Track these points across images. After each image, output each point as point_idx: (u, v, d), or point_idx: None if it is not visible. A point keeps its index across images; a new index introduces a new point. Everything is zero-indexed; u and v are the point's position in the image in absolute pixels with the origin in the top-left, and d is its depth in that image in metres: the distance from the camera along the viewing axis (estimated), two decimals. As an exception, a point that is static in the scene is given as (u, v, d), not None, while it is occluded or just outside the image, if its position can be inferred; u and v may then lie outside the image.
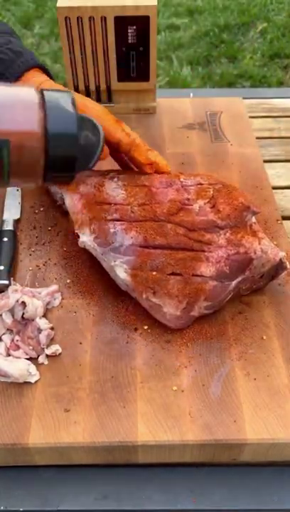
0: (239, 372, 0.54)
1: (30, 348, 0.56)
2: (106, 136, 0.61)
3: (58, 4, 0.79)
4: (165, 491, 0.51)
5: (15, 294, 0.57)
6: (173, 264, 0.56)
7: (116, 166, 0.68)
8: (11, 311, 0.57)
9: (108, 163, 0.65)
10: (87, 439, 0.49)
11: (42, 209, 0.73)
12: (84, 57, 0.83)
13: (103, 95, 0.88)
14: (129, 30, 0.80)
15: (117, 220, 0.59)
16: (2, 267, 0.62)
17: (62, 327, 0.59)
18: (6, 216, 0.71)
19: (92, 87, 0.87)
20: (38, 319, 0.57)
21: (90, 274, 0.64)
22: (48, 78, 0.64)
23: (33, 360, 0.55)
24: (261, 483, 0.51)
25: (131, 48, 0.82)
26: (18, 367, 0.53)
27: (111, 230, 0.58)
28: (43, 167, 0.41)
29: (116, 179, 0.63)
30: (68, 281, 0.64)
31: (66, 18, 0.79)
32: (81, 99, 0.61)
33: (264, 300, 0.62)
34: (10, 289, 0.58)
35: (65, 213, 0.69)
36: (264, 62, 2.31)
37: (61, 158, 0.41)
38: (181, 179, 0.62)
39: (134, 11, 0.78)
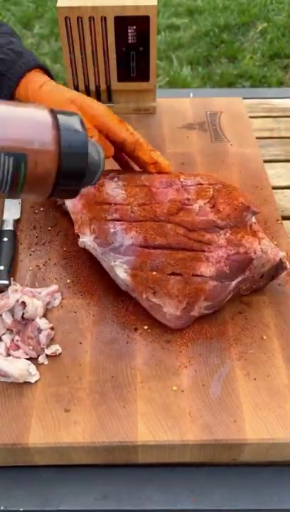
0: (239, 372, 0.54)
1: (30, 348, 0.56)
2: (111, 135, 0.62)
3: (58, 4, 0.79)
4: (165, 491, 0.51)
5: (15, 294, 0.57)
6: (173, 264, 0.56)
7: (116, 166, 0.68)
8: (11, 311, 0.57)
9: (108, 164, 0.65)
10: (87, 439, 0.49)
11: (42, 209, 0.73)
12: (84, 57, 0.83)
13: (103, 95, 0.88)
14: (129, 30, 0.80)
15: (117, 220, 0.59)
16: (2, 267, 0.62)
17: (62, 327, 0.59)
18: (6, 216, 0.71)
19: (92, 87, 0.87)
20: (38, 319, 0.57)
21: (90, 274, 0.64)
22: (49, 79, 0.64)
23: (33, 360, 0.55)
24: (261, 483, 0.51)
25: (131, 48, 0.82)
26: (18, 367, 0.53)
27: (111, 230, 0.58)
28: (53, 183, 0.44)
29: (116, 179, 0.63)
30: (68, 281, 0.64)
31: (66, 18, 0.79)
32: (87, 101, 0.62)
33: (264, 300, 0.62)
34: (10, 289, 0.58)
35: (65, 213, 0.69)
36: (264, 62, 2.31)
37: (71, 175, 0.44)
38: (181, 179, 0.62)
39: (134, 11, 0.78)
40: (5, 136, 0.40)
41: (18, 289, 0.58)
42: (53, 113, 0.44)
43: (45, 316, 0.59)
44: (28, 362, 0.54)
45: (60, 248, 0.67)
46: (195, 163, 0.80)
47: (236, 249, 0.57)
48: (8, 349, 0.56)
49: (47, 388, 0.53)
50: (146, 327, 0.59)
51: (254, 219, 0.61)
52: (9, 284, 0.60)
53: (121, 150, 0.64)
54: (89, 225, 0.61)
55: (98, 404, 0.52)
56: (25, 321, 0.57)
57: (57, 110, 0.45)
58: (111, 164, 0.67)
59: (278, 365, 0.55)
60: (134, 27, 0.80)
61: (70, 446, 0.49)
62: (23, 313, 0.57)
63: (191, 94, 0.99)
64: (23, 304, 0.57)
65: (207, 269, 0.56)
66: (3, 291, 0.59)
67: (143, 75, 0.86)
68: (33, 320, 0.57)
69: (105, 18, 0.79)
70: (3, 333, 0.57)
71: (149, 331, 0.58)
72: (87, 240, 0.60)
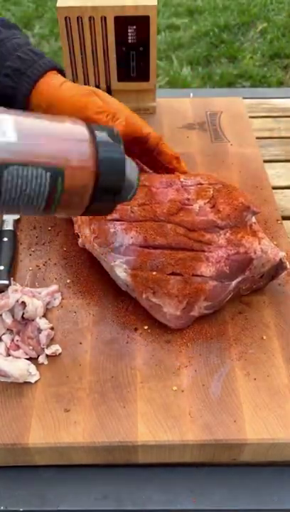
0: (239, 372, 0.54)
1: (30, 348, 0.56)
2: (135, 130, 0.63)
3: (58, 4, 0.79)
4: (165, 491, 0.51)
5: (15, 294, 0.57)
6: (173, 264, 0.56)
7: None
8: (11, 311, 0.57)
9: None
10: (87, 439, 0.49)
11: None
12: (84, 57, 0.84)
13: (103, 95, 0.88)
14: (129, 30, 0.80)
15: (117, 220, 0.59)
16: (2, 267, 0.62)
17: (62, 327, 0.59)
18: (6, 216, 0.71)
19: (92, 86, 0.87)
20: (38, 319, 0.57)
21: (90, 274, 0.64)
22: (66, 79, 0.64)
23: (33, 360, 0.55)
24: (261, 483, 0.51)
25: (131, 48, 0.82)
26: (18, 367, 0.53)
27: (111, 230, 0.58)
28: (89, 199, 0.43)
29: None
30: (68, 281, 0.64)
31: (66, 18, 0.79)
32: (108, 97, 0.63)
33: (264, 300, 0.62)
34: (10, 289, 0.58)
35: (65, 213, 0.69)
36: (264, 62, 2.31)
37: (107, 191, 0.44)
38: (181, 179, 0.62)
39: (134, 11, 0.78)
40: (43, 151, 0.40)
41: (18, 289, 0.58)
42: (90, 128, 0.43)
43: (45, 316, 0.59)
44: (28, 362, 0.54)
45: (60, 248, 0.67)
46: (195, 163, 0.80)
47: (236, 249, 0.57)
48: (8, 349, 0.56)
49: (47, 388, 0.53)
50: (146, 327, 0.59)
51: (254, 219, 0.61)
52: (9, 284, 0.60)
53: (144, 146, 0.65)
54: (89, 225, 0.61)
55: (98, 404, 0.52)
56: (25, 321, 0.57)
57: (93, 125, 0.44)
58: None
59: (278, 365, 0.55)
60: (134, 27, 0.80)
61: (70, 446, 0.49)
62: (23, 313, 0.57)
63: (191, 94, 0.99)
64: (23, 304, 0.57)
65: (207, 269, 0.56)
66: (3, 291, 0.59)
67: (143, 75, 0.86)
68: (33, 320, 0.57)
69: (105, 18, 0.79)
70: (3, 333, 0.57)
71: (149, 331, 0.58)
72: (87, 239, 0.60)
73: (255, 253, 0.58)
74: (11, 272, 0.63)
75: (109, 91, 0.88)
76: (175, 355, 0.56)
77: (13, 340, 0.56)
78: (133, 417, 0.51)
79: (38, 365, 0.55)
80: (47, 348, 0.56)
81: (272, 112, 0.96)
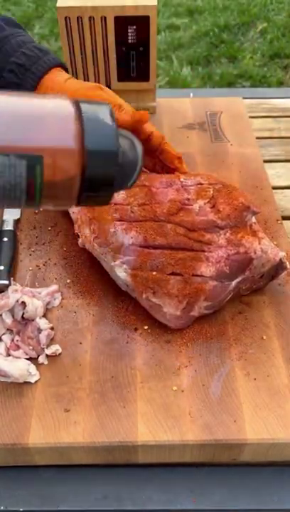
0: (239, 372, 0.54)
1: (30, 348, 0.56)
2: (140, 127, 0.62)
3: (58, 4, 0.79)
4: (165, 491, 0.51)
5: (15, 294, 0.57)
6: (173, 264, 0.56)
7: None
8: (11, 311, 0.57)
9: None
10: (87, 439, 0.49)
11: (42, 209, 0.73)
12: (84, 57, 0.83)
13: (103, 95, 0.88)
14: (129, 30, 0.80)
15: (117, 220, 0.59)
16: (2, 267, 0.62)
17: (62, 327, 0.59)
18: (6, 216, 0.71)
19: (92, 87, 0.87)
20: (38, 319, 0.57)
21: (90, 274, 0.64)
22: (71, 76, 0.64)
23: (33, 360, 0.55)
24: (261, 483, 0.51)
25: (131, 48, 0.82)
26: (18, 367, 0.53)
27: (112, 230, 0.58)
28: (78, 189, 0.37)
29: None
30: (68, 281, 0.64)
31: (66, 18, 0.79)
32: (122, 100, 0.63)
33: (264, 300, 0.62)
34: (10, 289, 0.58)
35: (65, 213, 0.69)
36: (264, 62, 2.31)
37: (99, 178, 0.37)
38: (181, 179, 0.62)
39: (134, 11, 0.78)
40: (14, 136, 0.34)
41: (18, 289, 0.58)
42: (76, 103, 0.36)
43: (45, 316, 0.59)
44: (28, 362, 0.54)
45: (60, 248, 0.67)
46: (195, 163, 0.80)
47: (236, 249, 0.57)
48: (8, 349, 0.56)
49: (47, 388, 0.53)
50: (146, 327, 0.59)
51: (254, 219, 0.61)
52: (9, 284, 0.60)
53: (146, 145, 0.64)
54: (89, 225, 0.61)
55: (98, 404, 0.52)
56: (25, 321, 0.57)
57: (81, 99, 0.37)
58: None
59: (278, 365, 0.55)
60: (134, 27, 0.80)
61: (70, 446, 0.49)
62: (23, 313, 0.57)
63: (191, 94, 0.99)
64: (23, 304, 0.57)
65: (207, 269, 0.56)
66: (3, 291, 0.59)
67: (143, 75, 0.86)
68: (33, 320, 0.57)
69: (105, 18, 0.79)
70: (3, 333, 0.57)
71: (149, 331, 0.58)
72: (87, 239, 0.60)
73: (255, 253, 0.58)
74: (11, 272, 0.63)
75: (109, 91, 0.88)
76: (175, 355, 0.56)
77: (13, 340, 0.56)
78: (133, 417, 0.51)
79: (38, 365, 0.55)
80: (47, 348, 0.56)
81: (272, 112, 0.96)
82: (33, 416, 0.51)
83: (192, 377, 0.54)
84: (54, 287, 0.61)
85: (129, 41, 0.81)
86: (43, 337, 0.56)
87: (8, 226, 0.69)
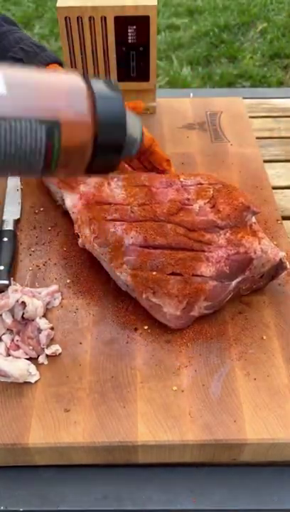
0: (239, 372, 0.54)
1: (30, 348, 0.56)
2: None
3: (58, 4, 0.79)
4: (165, 491, 0.51)
5: (15, 294, 0.57)
6: (173, 264, 0.56)
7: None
8: (11, 311, 0.57)
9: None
10: (87, 439, 0.49)
11: (42, 209, 0.73)
12: (84, 57, 0.83)
13: (103, 95, 0.88)
14: (129, 30, 0.80)
15: (117, 220, 0.59)
16: (2, 267, 0.62)
17: (62, 327, 0.59)
18: (6, 216, 0.71)
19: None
20: (38, 319, 0.57)
21: (90, 274, 0.64)
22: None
23: (33, 360, 0.55)
24: (261, 483, 0.51)
25: (131, 48, 0.82)
26: (18, 367, 0.53)
27: (112, 230, 0.58)
28: (90, 155, 0.41)
29: (116, 179, 0.63)
30: (68, 281, 0.64)
31: (66, 18, 0.79)
32: None
33: (264, 300, 0.62)
34: (10, 289, 0.58)
35: (65, 213, 0.69)
36: (264, 62, 2.31)
37: (109, 147, 0.41)
38: (181, 179, 0.62)
39: (134, 11, 0.78)
40: (36, 103, 0.38)
41: (18, 289, 0.58)
42: (86, 78, 0.41)
43: (45, 316, 0.59)
44: (28, 362, 0.54)
45: (60, 248, 0.67)
46: (195, 163, 0.80)
47: (236, 249, 0.57)
48: (8, 349, 0.56)
49: (47, 388, 0.53)
50: (146, 327, 0.59)
51: (254, 219, 0.61)
52: (9, 284, 0.60)
53: None
54: (89, 225, 0.61)
55: (98, 404, 0.52)
56: (25, 321, 0.57)
57: (90, 76, 0.41)
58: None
59: (278, 365, 0.55)
60: (134, 27, 0.80)
61: (70, 446, 0.49)
62: (23, 313, 0.57)
63: (191, 94, 0.99)
64: (23, 303, 0.57)
65: (207, 269, 0.56)
66: (3, 291, 0.59)
67: (143, 75, 0.86)
68: (33, 320, 0.57)
69: (105, 18, 0.79)
70: (3, 333, 0.57)
71: (149, 331, 0.58)
72: (87, 240, 0.60)
73: (255, 253, 0.58)
74: (11, 272, 0.63)
75: (109, 91, 0.88)
76: (175, 355, 0.56)
77: (13, 340, 0.56)
78: (133, 417, 0.51)
79: (38, 365, 0.55)
80: (47, 348, 0.56)
81: (272, 112, 0.96)
82: (33, 416, 0.51)
83: (192, 377, 0.54)
84: (54, 287, 0.61)
85: (129, 41, 0.81)
86: (43, 337, 0.56)
87: (8, 226, 0.69)
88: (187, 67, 2.27)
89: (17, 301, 0.57)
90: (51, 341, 0.57)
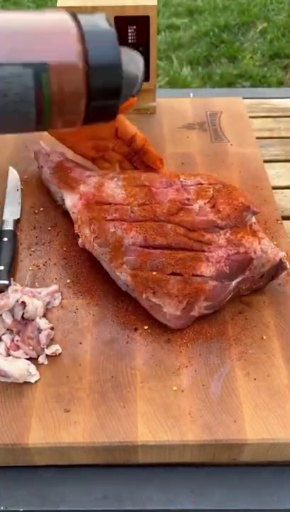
0: (239, 372, 0.54)
1: (30, 348, 0.56)
2: (122, 131, 0.66)
3: (58, 4, 0.79)
4: (165, 491, 0.51)
5: (15, 294, 0.57)
6: (173, 264, 0.56)
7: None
8: (11, 311, 0.57)
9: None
10: (87, 439, 0.49)
11: (42, 209, 0.73)
12: (84, 57, 0.83)
13: (103, 95, 0.88)
14: (129, 30, 0.80)
15: (117, 220, 0.59)
16: (2, 267, 0.62)
17: (62, 327, 0.59)
18: (6, 216, 0.71)
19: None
20: (38, 319, 0.57)
21: (90, 274, 0.64)
22: None
23: (33, 360, 0.55)
24: (261, 483, 0.51)
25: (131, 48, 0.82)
26: (18, 367, 0.53)
27: (112, 230, 0.58)
28: (86, 101, 0.37)
29: (116, 179, 0.64)
30: (68, 281, 0.64)
31: (66, 18, 0.79)
32: None
33: (264, 300, 0.62)
34: (10, 289, 0.58)
35: (65, 213, 0.69)
36: (264, 62, 2.31)
37: (104, 90, 0.38)
38: (181, 179, 0.62)
39: (134, 11, 0.78)
40: (20, 46, 0.35)
41: (18, 289, 0.58)
42: (75, 17, 0.37)
43: (45, 316, 0.59)
44: (28, 362, 0.54)
45: (60, 248, 0.67)
46: (195, 163, 0.80)
47: (236, 249, 0.57)
48: (8, 349, 0.56)
49: (47, 388, 0.53)
50: (146, 327, 0.59)
51: (254, 219, 0.61)
52: (9, 284, 0.60)
53: (130, 146, 0.68)
54: (89, 225, 0.61)
55: (98, 404, 0.52)
56: (25, 321, 0.57)
57: (79, 12, 0.38)
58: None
59: (278, 365, 0.55)
60: (134, 27, 0.80)
61: (70, 446, 0.49)
62: (23, 313, 0.57)
63: (191, 94, 0.99)
64: (23, 303, 0.57)
65: (207, 269, 0.56)
66: (3, 291, 0.59)
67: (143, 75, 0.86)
68: (33, 320, 0.57)
69: (105, 18, 0.79)
70: (3, 333, 0.57)
71: (149, 331, 0.58)
72: (87, 240, 0.60)
73: (255, 253, 0.58)
74: (11, 272, 0.63)
75: (109, 91, 0.88)
76: (175, 355, 0.56)
77: (13, 340, 0.56)
78: (133, 417, 0.51)
79: (38, 365, 0.55)
80: (47, 348, 0.56)
81: (272, 112, 0.96)
82: (33, 416, 0.51)
83: (192, 377, 0.54)
84: (54, 287, 0.61)
85: (129, 41, 0.81)
86: (43, 337, 0.56)
87: (8, 226, 0.69)
88: (187, 67, 2.27)
89: (17, 301, 0.57)
90: (51, 341, 0.57)
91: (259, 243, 0.59)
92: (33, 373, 0.54)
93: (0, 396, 0.53)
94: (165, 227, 0.58)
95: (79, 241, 0.63)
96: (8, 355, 0.55)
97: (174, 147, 0.83)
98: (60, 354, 0.56)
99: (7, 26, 0.35)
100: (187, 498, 0.50)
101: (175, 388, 0.53)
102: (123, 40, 0.81)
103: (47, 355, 0.56)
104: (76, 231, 0.63)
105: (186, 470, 0.52)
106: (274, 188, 0.78)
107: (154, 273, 0.56)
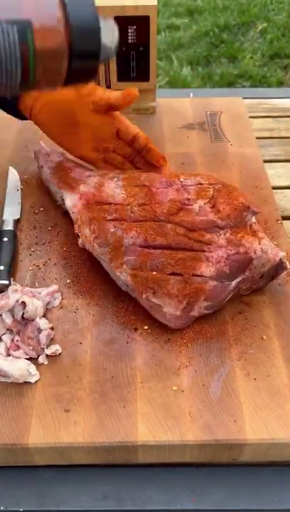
0: (239, 372, 0.54)
1: (30, 348, 0.56)
2: (124, 131, 0.67)
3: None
4: (165, 491, 0.51)
5: (15, 294, 0.57)
6: (173, 264, 0.56)
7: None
8: (11, 311, 0.57)
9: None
10: (87, 439, 0.49)
11: (42, 209, 0.73)
12: (84, 57, 0.83)
13: (103, 95, 0.88)
14: (129, 30, 0.80)
15: (117, 220, 0.59)
16: (2, 267, 0.62)
17: (62, 327, 0.59)
18: (6, 216, 0.71)
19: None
20: (38, 319, 0.57)
21: (90, 274, 0.64)
22: None
23: (33, 360, 0.55)
24: (261, 483, 0.51)
25: (131, 48, 0.82)
26: (18, 367, 0.53)
27: (112, 230, 0.58)
28: (67, 63, 0.40)
29: (116, 179, 0.64)
30: (68, 281, 0.64)
31: (66, 18, 0.79)
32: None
33: (264, 300, 0.62)
34: (10, 289, 0.58)
35: (65, 213, 0.69)
36: (264, 62, 2.31)
37: (85, 52, 0.41)
38: (181, 179, 0.62)
39: (134, 11, 0.78)
40: (4, 3, 0.37)
41: (18, 289, 0.58)
42: None
43: (45, 316, 0.59)
44: (28, 362, 0.54)
45: (60, 248, 0.67)
46: (195, 163, 0.80)
47: (236, 249, 0.57)
48: (8, 349, 0.56)
49: (47, 388, 0.53)
50: (146, 327, 0.59)
51: (254, 219, 0.61)
52: (9, 284, 0.60)
53: (132, 145, 0.68)
54: (89, 225, 0.61)
55: (98, 404, 0.52)
56: (25, 321, 0.57)
57: None
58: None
59: (278, 365, 0.55)
60: (134, 27, 0.80)
61: (70, 446, 0.49)
62: (23, 313, 0.57)
63: (191, 94, 0.99)
64: (23, 303, 0.57)
65: (207, 269, 0.56)
66: (3, 291, 0.59)
67: (143, 75, 0.86)
68: (33, 320, 0.57)
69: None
70: (3, 333, 0.57)
71: (149, 331, 0.58)
72: (87, 240, 0.60)
73: (255, 253, 0.58)
74: (11, 272, 0.63)
75: (109, 91, 0.88)
76: (175, 355, 0.56)
77: (13, 340, 0.56)
78: (133, 417, 0.51)
79: (38, 365, 0.55)
80: (47, 348, 0.56)
81: (272, 112, 0.96)
82: (33, 416, 0.51)
83: (192, 377, 0.54)
84: (54, 287, 0.61)
85: (129, 41, 0.81)
86: (43, 337, 0.56)
87: (8, 226, 0.69)
88: (187, 67, 2.27)
89: (17, 301, 0.57)
90: (51, 341, 0.57)
91: (259, 243, 0.59)
92: (33, 373, 0.54)
93: (0, 396, 0.53)
94: (165, 227, 0.58)
95: (79, 241, 0.63)
96: (8, 355, 0.55)
97: (174, 147, 0.83)
98: (60, 354, 0.56)
99: None
100: (187, 498, 0.50)
101: (175, 388, 0.53)
102: (123, 40, 0.81)
103: (47, 355, 0.56)
104: (76, 231, 0.63)
105: (186, 470, 0.52)
106: (274, 188, 0.78)
107: (154, 273, 0.56)
